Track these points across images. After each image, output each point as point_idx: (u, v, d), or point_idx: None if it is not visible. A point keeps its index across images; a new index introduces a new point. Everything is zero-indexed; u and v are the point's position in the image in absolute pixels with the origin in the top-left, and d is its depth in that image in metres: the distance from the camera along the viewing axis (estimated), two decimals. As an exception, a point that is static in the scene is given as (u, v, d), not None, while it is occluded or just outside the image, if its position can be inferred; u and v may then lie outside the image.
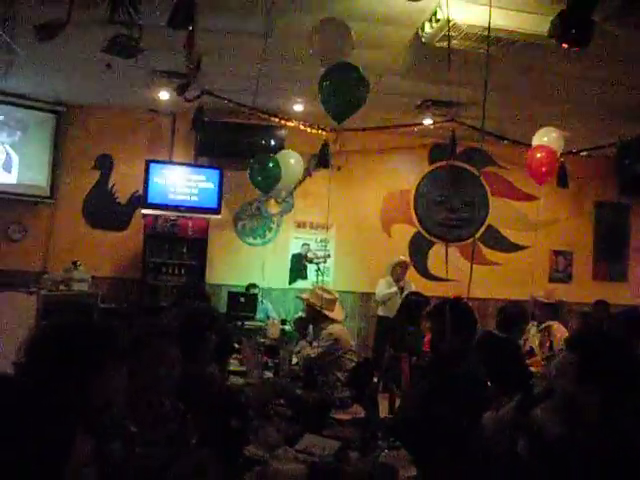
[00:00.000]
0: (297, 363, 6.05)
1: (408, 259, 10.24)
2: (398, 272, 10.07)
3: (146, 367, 2.68)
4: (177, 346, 2.85)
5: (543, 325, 7.38)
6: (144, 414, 2.56)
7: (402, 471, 2.93)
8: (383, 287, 10.09)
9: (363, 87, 5.73)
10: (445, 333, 4.36)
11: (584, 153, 10.19)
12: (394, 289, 9.95)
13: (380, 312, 10.10)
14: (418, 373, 5.16)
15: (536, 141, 8.22)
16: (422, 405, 3.73)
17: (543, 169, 8.04)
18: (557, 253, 11.94)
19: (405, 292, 9.91)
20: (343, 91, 5.65)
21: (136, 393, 2.52)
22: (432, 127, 10.08)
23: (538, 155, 8.05)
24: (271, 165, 8.24)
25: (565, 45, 4.87)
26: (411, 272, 11.25)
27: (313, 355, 5.96)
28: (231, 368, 5.68)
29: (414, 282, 10.75)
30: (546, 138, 8.23)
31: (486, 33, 6.25)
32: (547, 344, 7.09)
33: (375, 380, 5.45)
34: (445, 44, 6.73)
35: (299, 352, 6.10)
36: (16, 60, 7.33)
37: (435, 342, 4.57)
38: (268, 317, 9.73)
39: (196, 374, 3.32)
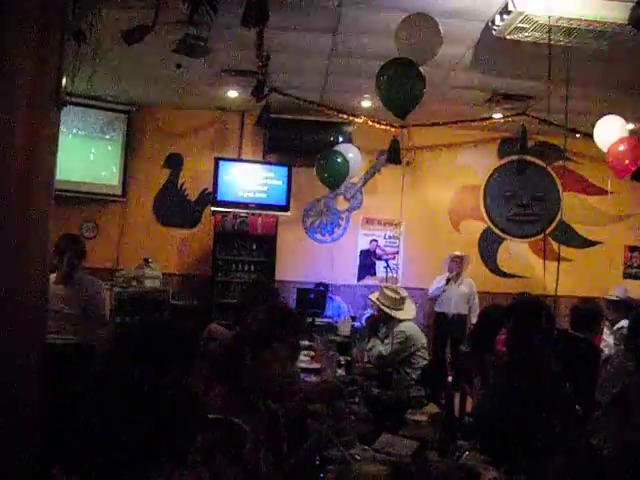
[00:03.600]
0: (369, 361, 6.02)
1: (464, 253, 10.05)
2: (453, 267, 9.92)
3: (260, 369, 2.70)
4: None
5: (616, 326, 7.18)
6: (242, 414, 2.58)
7: (484, 472, 2.88)
8: (436, 283, 9.98)
9: (420, 82, 5.66)
10: (523, 332, 4.26)
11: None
12: (442, 283, 9.82)
13: (436, 308, 9.98)
14: (493, 372, 5.05)
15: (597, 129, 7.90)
16: (502, 406, 3.68)
17: (626, 161, 7.74)
18: (632, 249, 11.63)
19: (461, 287, 9.80)
20: (400, 86, 5.59)
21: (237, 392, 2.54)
22: (502, 121, 9.92)
23: (621, 147, 7.75)
24: (338, 160, 8.22)
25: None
26: (481, 268, 11.14)
27: (385, 353, 5.94)
28: (303, 366, 5.70)
29: (484, 278, 10.64)
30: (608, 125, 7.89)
31: (559, 23, 6.13)
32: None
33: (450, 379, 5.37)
34: (516, 36, 6.63)
35: (371, 350, 6.07)
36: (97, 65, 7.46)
37: (513, 341, 4.46)
38: (338, 314, 9.72)
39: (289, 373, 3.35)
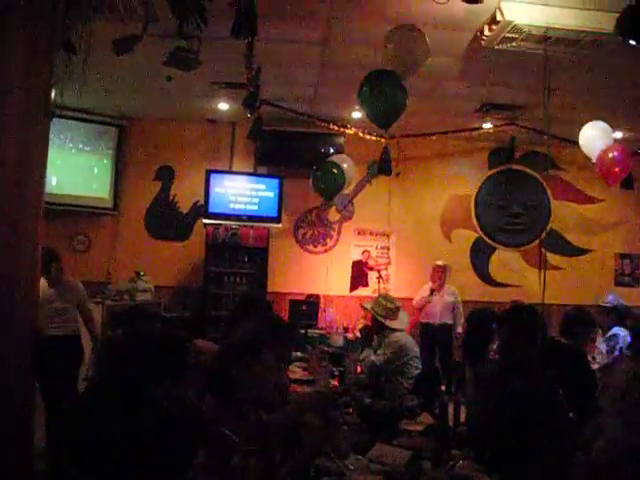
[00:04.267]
0: (362, 371, 6.02)
1: (445, 263, 10.03)
2: (435, 277, 9.91)
3: (250, 379, 2.69)
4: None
5: (609, 333, 7.19)
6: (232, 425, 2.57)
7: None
8: (421, 293, 9.96)
9: (402, 92, 5.69)
10: (515, 340, 4.27)
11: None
12: (426, 294, 9.80)
13: (422, 319, 9.95)
14: (485, 381, 5.05)
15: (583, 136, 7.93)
16: (495, 413, 3.68)
17: (616, 169, 7.78)
18: (623, 256, 11.67)
19: (445, 297, 9.79)
20: (381, 98, 5.62)
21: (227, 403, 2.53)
22: (492, 131, 9.97)
23: (610, 155, 7.78)
24: (334, 171, 8.25)
25: (633, 42, 4.70)
26: (472, 277, 11.16)
27: (378, 363, 5.93)
28: (296, 377, 5.70)
29: (476, 287, 10.65)
30: (594, 132, 7.92)
31: (547, 34, 6.17)
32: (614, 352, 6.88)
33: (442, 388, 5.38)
34: (505, 46, 6.67)
35: (364, 360, 6.07)
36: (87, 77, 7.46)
37: (504, 349, 4.48)
38: (330, 326, 9.71)
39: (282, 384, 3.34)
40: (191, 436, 1.58)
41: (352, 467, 3.11)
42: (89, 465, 1.47)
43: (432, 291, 9.77)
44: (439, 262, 9.94)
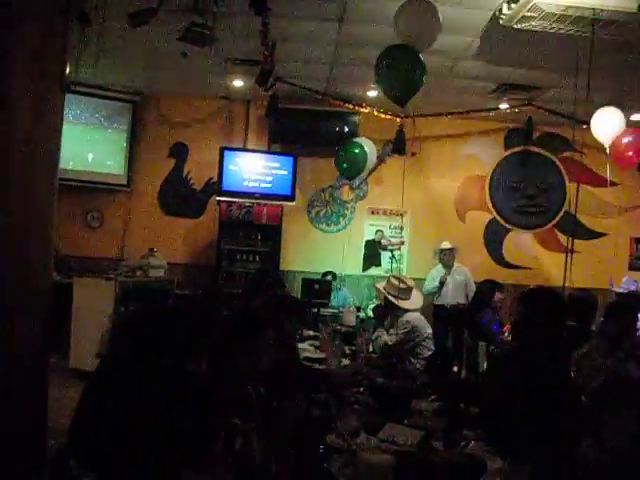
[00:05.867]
0: (374, 351, 6.01)
1: (452, 245, 9.96)
2: (444, 259, 9.86)
3: (248, 355, 2.67)
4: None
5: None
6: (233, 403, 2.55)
7: (490, 462, 2.87)
8: (429, 280, 9.89)
9: (420, 68, 5.61)
10: (529, 322, 4.22)
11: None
12: (436, 283, 9.74)
13: (434, 301, 9.90)
14: (496, 362, 5.02)
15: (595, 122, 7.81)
16: (507, 396, 3.66)
17: (630, 153, 7.70)
18: (637, 240, 11.59)
19: (456, 277, 9.74)
20: (399, 73, 5.54)
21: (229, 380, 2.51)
22: (508, 112, 9.88)
23: (625, 140, 7.71)
24: (357, 151, 8.20)
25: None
26: (486, 259, 11.12)
27: (390, 343, 5.92)
28: (308, 355, 5.70)
29: (489, 269, 10.59)
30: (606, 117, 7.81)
31: (568, 12, 6.08)
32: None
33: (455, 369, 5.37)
34: (524, 25, 6.57)
35: (376, 340, 6.06)
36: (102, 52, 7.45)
37: (518, 331, 4.41)
38: (343, 305, 9.69)
39: (284, 360, 3.32)
40: (201, 411, 1.56)
41: (363, 446, 3.11)
42: (105, 440, 1.46)
43: (442, 284, 9.71)
44: (446, 245, 9.86)
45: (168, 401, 1.52)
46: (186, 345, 1.78)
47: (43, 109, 3.42)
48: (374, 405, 3.84)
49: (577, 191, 7.82)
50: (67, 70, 3.58)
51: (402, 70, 5.57)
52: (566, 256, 9.95)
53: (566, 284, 5.66)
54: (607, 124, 7.61)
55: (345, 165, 8.23)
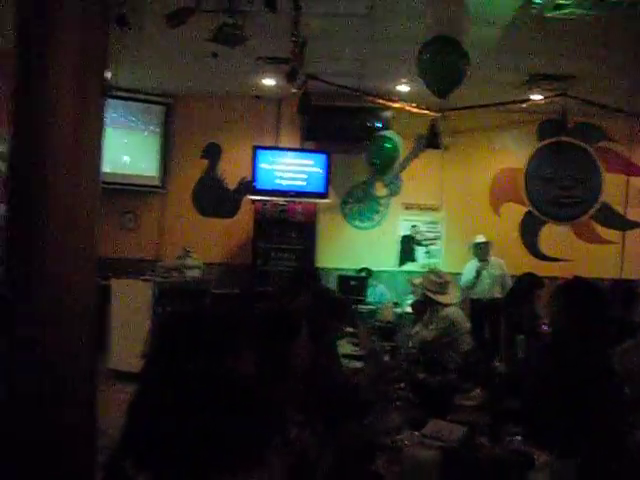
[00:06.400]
0: (413, 346, 5.99)
1: (487, 238, 9.88)
2: (479, 253, 9.78)
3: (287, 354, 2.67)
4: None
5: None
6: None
7: (538, 457, 2.85)
8: (466, 274, 9.82)
9: (463, 60, 5.57)
10: (568, 314, 4.17)
11: None
12: (471, 276, 9.68)
13: (472, 295, 9.84)
14: (534, 355, 4.98)
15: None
16: (544, 389, 3.63)
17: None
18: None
19: (491, 271, 9.66)
20: (442, 65, 5.50)
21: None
22: (542, 102, 9.78)
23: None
24: (388, 145, 8.18)
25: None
26: (522, 252, 11.03)
27: (429, 338, 5.91)
28: (348, 352, 5.70)
29: (526, 262, 10.49)
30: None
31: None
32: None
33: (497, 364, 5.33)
34: (556, 14, 6.50)
35: (415, 335, 6.04)
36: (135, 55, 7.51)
37: (558, 322, 4.36)
38: (380, 301, 9.68)
39: (322, 364, 3.32)
40: (253, 408, 1.56)
41: (407, 442, 3.10)
42: (159, 440, 1.47)
43: (478, 273, 9.66)
44: (481, 238, 9.79)
45: (215, 400, 1.52)
46: (228, 343, 1.78)
47: (84, 116, 3.45)
48: (415, 401, 3.83)
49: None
50: (107, 75, 3.61)
51: (446, 62, 5.53)
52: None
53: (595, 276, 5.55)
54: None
55: (376, 160, 8.22)
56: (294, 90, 9.07)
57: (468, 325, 6.27)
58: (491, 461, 2.68)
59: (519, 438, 3.03)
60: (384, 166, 8.42)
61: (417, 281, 6.36)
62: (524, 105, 9.89)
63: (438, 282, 6.14)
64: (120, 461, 1.47)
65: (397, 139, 9.14)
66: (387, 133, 9.28)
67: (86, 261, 3.56)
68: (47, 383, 3.38)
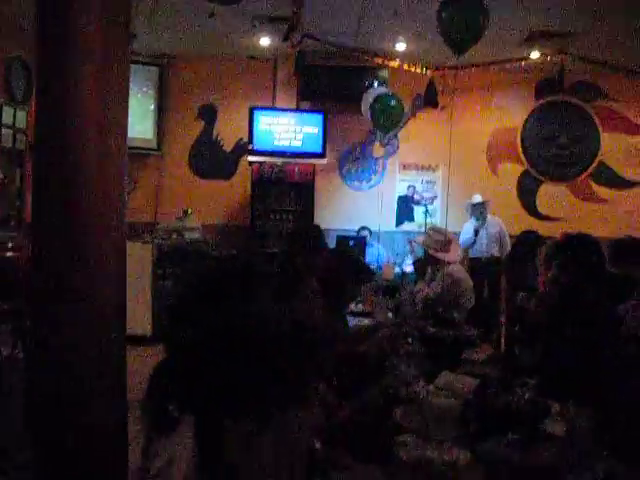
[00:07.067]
0: (416, 304, 6.01)
1: (484, 198, 9.85)
2: (477, 213, 9.79)
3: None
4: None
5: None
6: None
7: (552, 406, 2.88)
8: (464, 233, 9.81)
9: (484, 15, 5.55)
10: (569, 268, 4.18)
11: None
12: (469, 235, 9.68)
13: (470, 254, 9.85)
14: (541, 309, 4.99)
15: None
16: (558, 345, 3.66)
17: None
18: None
19: (489, 229, 9.68)
20: (465, 20, 5.48)
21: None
22: (539, 61, 9.71)
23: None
24: (392, 104, 8.17)
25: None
26: (519, 211, 11.05)
27: (432, 295, 5.92)
28: (353, 309, 5.72)
29: (523, 221, 10.51)
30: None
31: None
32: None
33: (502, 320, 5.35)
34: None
35: (418, 293, 6.06)
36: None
37: (557, 277, 4.36)
38: (377, 261, 9.69)
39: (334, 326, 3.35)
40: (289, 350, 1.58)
41: (422, 394, 3.12)
42: (205, 387, 1.49)
43: (476, 232, 9.67)
44: (478, 198, 9.79)
45: (243, 346, 1.55)
46: (250, 293, 1.78)
47: (112, 76, 3.37)
48: (426, 354, 3.85)
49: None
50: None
51: (469, 19, 5.51)
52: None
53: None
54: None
55: (381, 119, 8.20)
56: (289, 48, 9.01)
57: (470, 283, 6.29)
58: (508, 410, 2.71)
59: (530, 389, 3.06)
60: (389, 124, 8.39)
61: (419, 239, 6.36)
62: (522, 63, 9.85)
63: (440, 240, 6.14)
64: (165, 404, 1.49)
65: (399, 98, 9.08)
66: (390, 92, 9.21)
67: (116, 223, 3.50)
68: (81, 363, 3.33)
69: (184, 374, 1.54)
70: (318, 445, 1.94)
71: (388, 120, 8.46)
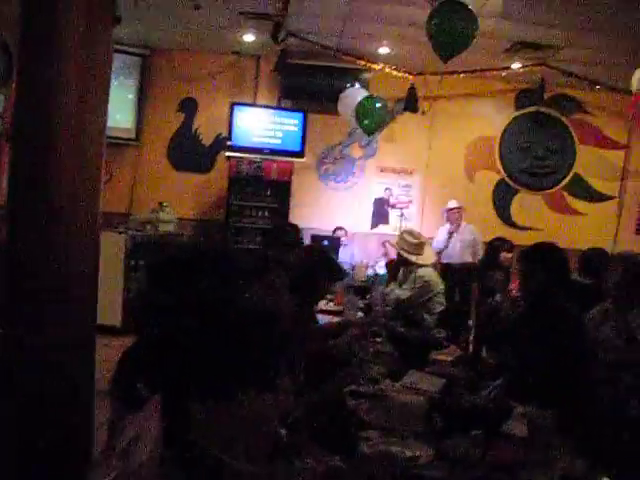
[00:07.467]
0: (387, 305, 6.05)
1: (459, 203, 9.96)
2: (452, 219, 9.87)
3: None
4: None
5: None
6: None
7: (515, 408, 2.92)
8: (438, 237, 9.88)
9: (473, 24, 5.60)
10: (537, 275, 4.24)
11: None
12: (443, 237, 9.75)
13: (442, 260, 9.91)
14: (512, 317, 5.05)
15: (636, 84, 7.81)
16: (524, 350, 3.71)
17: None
18: (646, 204, 11.57)
19: (464, 236, 9.75)
20: (453, 28, 5.52)
21: None
22: (521, 71, 9.81)
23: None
24: (377, 105, 8.22)
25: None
26: (494, 220, 11.13)
27: (403, 297, 5.97)
28: (323, 307, 5.74)
29: (497, 230, 10.58)
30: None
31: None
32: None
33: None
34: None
35: (389, 294, 6.10)
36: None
37: (527, 285, 4.42)
38: (350, 261, 9.71)
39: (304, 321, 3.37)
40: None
41: (388, 391, 3.15)
42: (172, 366, 1.51)
43: (450, 234, 9.74)
44: (454, 203, 9.86)
45: (215, 327, 1.57)
46: (225, 274, 1.80)
47: (93, 49, 3.35)
48: (394, 353, 3.89)
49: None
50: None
51: (457, 27, 5.55)
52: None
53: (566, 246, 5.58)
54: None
55: (366, 120, 8.25)
56: (273, 45, 9.01)
57: (442, 287, 6.35)
58: (472, 409, 2.75)
59: (495, 390, 3.10)
60: (374, 126, 8.44)
61: (393, 241, 6.41)
62: (503, 73, 9.94)
63: (413, 242, 6.19)
64: (134, 383, 1.51)
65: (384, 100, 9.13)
66: (375, 94, 9.24)
67: (90, 215, 3.49)
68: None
69: (153, 354, 1.55)
70: (283, 432, 1.96)
71: (372, 122, 8.50)
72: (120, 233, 8.83)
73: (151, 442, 1.42)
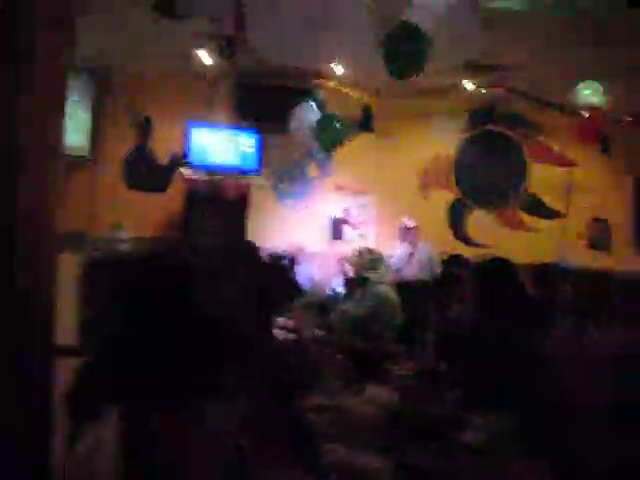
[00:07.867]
0: (345, 322, 6.08)
1: (412, 223, 10.08)
2: (407, 237, 9.97)
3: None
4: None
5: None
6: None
7: (473, 419, 2.96)
8: (395, 257, 9.95)
9: (428, 46, 5.69)
10: (489, 290, 4.32)
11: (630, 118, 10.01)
12: (401, 258, 9.84)
13: (400, 278, 9.96)
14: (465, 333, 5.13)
15: (580, 97, 7.97)
16: (478, 361, 3.77)
17: (594, 132, 7.85)
18: (597, 221, 11.77)
19: (419, 254, 9.84)
20: (408, 51, 5.61)
21: None
22: (475, 92, 9.97)
23: (588, 116, 7.87)
24: (336, 125, 8.29)
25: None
26: (449, 237, 11.26)
27: (361, 313, 6.00)
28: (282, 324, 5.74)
29: (452, 247, 10.70)
30: (589, 93, 7.98)
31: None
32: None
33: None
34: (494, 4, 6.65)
35: (347, 311, 6.13)
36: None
37: (478, 299, 4.49)
38: (308, 279, 9.75)
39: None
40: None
41: (347, 405, 3.17)
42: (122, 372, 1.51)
43: (411, 254, 9.82)
44: (409, 223, 9.95)
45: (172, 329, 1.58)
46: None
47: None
48: (353, 368, 3.91)
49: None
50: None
51: (412, 49, 5.63)
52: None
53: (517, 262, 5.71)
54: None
55: (324, 139, 8.32)
56: (229, 65, 9.03)
57: (399, 302, 6.40)
58: (430, 421, 2.78)
59: (454, 402, 3.15)
60: (333, 144, 8.51)
61: (350, 259, 6.45)
62: (457, 93, 10.09)
63: (369, 259, 6.25)
64: (91, 395, 1.51)
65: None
66: (334, 113, 9.31)
67: (50, 237, 3.44)
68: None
69: (108, 369, 1.56)
70: (244, 442, 1.96)
71: (330, 140, 8.56)
72: (75, 252, 8.72)
73: (110, 449, 1.42)
